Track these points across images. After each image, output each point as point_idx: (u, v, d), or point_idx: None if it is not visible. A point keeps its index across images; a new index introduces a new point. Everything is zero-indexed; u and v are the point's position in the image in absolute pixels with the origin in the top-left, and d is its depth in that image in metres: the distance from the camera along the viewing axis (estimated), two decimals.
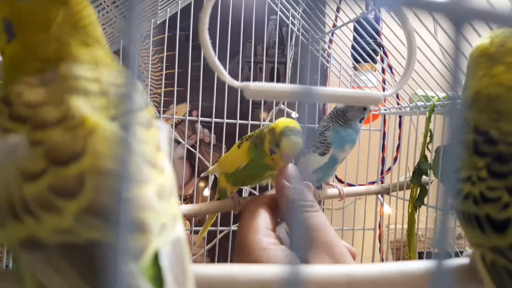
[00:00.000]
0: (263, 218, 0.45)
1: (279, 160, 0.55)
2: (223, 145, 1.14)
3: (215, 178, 1.06)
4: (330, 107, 1.04)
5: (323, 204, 1.17)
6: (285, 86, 0.48)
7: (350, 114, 0.81)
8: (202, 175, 0.75)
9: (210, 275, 0.28)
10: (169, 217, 0.22)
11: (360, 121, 0.81)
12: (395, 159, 1.02)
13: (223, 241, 1.05)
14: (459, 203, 0.31)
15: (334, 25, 0.95)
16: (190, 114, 1.13)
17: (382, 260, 1.06)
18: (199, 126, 1.05)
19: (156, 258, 0.20)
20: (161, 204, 0.21)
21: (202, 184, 1.21)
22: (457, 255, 0.97)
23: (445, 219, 0.14)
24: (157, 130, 0.25)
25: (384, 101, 1.01)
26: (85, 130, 0.21)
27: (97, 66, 0.24)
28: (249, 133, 0.62)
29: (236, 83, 0.45)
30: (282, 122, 0.55)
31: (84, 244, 0.19)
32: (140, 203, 0.20)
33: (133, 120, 0.23)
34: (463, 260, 0.32)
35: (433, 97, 0.80)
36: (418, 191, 0.82)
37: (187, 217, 1.01)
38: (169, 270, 0.20)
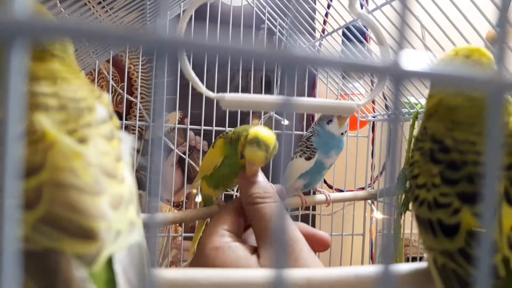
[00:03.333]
0: (223, 221, 0.46)
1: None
2: None
3: None
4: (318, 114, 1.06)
5: (315, 210, 1.19)
6: (259, 97, 0.50)
7: (321, 116, 0.85)
8: (192, 184, 0.76)
9: (174, 279, 0.29)
10: (126, 224, 0.23)
11: (328, 123, 0.83)
12: (384, 167, 1.04)
13: None
14: (415, 208, 0.33)
15: (323, 30, 0.96)
16: (182, 122, 1.15)
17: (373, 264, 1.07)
18: (188, 133, 1.07)
19: (110, 263, 0.22)
20: (116, 212, 0.23)
21: (194, 190, 1.22)
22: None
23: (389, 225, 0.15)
24: (119, 142, 0.26)
25: (373, 110, 1.03)
26: (45, 144, 0.22)
27: (55, 81, 0.25)
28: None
29: (212, 94, 0.46)
30: (256, 130, 0.54)
31: (40, 252, 0.20)
32: (93, 213, 0.21)
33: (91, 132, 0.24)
34: (422, 264, 0.34)
35: (416, 104, 0.81)
36: (403, 196, 0.83)
37: (174, 223, 1.02)
38: (122, 274, 0.22)
